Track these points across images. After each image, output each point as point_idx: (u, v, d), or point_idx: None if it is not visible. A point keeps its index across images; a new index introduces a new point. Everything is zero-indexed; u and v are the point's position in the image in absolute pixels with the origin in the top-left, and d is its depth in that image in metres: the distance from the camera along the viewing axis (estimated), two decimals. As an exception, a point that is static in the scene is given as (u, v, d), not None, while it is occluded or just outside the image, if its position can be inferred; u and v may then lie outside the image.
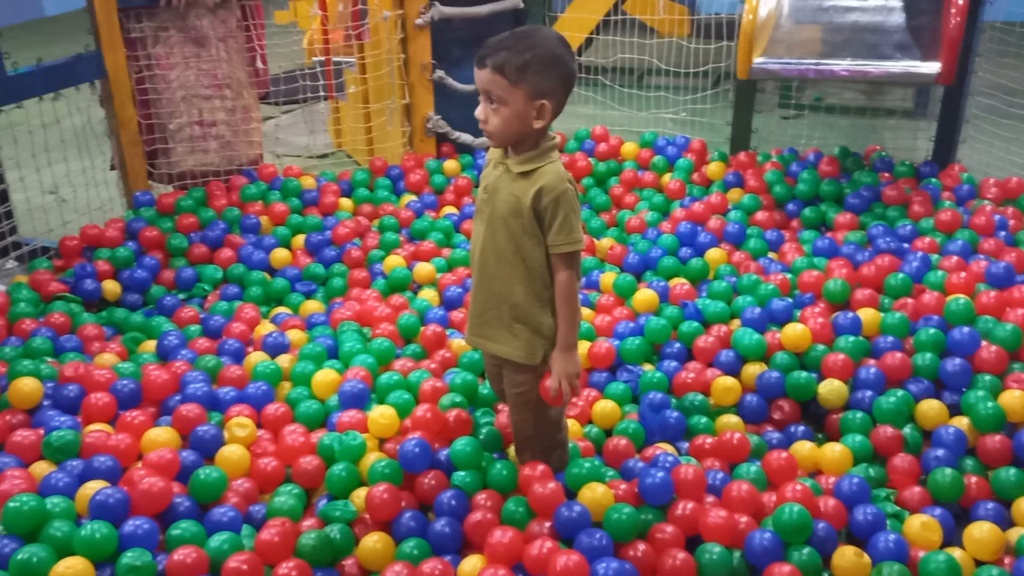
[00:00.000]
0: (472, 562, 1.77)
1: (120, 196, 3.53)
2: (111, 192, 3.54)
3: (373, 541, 1.82)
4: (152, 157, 3.48)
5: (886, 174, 3.42)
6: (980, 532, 1.82)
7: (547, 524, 1.83)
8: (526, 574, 1.75)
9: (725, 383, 2.33)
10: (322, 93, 4.46)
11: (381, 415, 2.13)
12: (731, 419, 2.26)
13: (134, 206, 3.38)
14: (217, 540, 1.76)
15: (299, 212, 3.44)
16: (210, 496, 1.91)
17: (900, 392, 2.21)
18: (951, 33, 2.95)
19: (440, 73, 3.75)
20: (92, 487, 1.85)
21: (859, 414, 2.20)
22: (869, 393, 2.23)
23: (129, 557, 1.67)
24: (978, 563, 1.80)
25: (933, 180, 3.35)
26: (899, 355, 2.29)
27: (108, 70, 3.27)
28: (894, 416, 2.16)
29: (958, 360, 2.24)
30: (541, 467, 1.93)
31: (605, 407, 2.27)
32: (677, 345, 2.53)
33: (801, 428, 2.26)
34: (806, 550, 1.77)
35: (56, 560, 1.66)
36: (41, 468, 1.97)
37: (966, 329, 2.29)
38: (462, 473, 1.98)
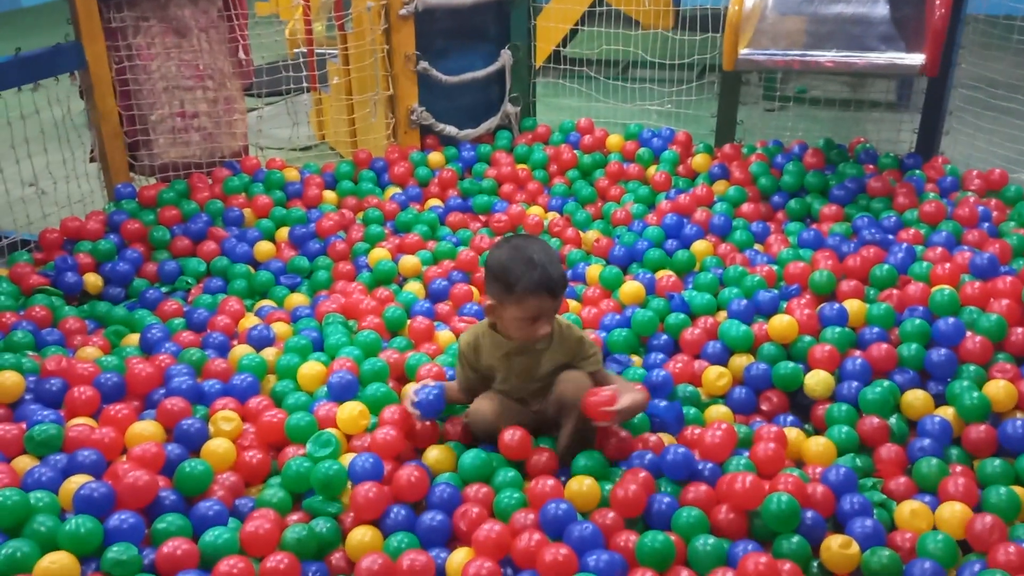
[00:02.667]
0: (460, 555, 1.77)
1: (101, 188, 3.49)
2: (92, 184, 3.49)
3: (361, 534, 1.82)
4: (133, 149, 3.44)
5: (870, 166, 3.44)
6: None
7: (532, 516, 1.82)
8: (515, 567, 1.75)
9: (717, 370, 2.33)
10: (305, 85, 4.43)
11: (351, 412, 2.11)
12: (720, 409, 2.26)
13: (115, 198, 3.35)
14: (211, 535, 1.74)
15: (283, 205, 3.41)
16: (196, 490, 1.90)
17: (886, 383, 2.22)
18: (936, 25, 2.96)
19: (424, 64, 3.73)
20: (76, 481, 1.83)
21: (844, 406, 2.21)
22: (855, 384, 2.24)
23: (115, 551, 1.65)
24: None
25: (917, 172, 3.36)
26: (884, 346, 2.30)
27: (88, 61, 3.23)
28: (880, 407, 2.17)
29: (943, 350, 2.25)
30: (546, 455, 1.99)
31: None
32: (664, 337, 2.53)
33: (790, 418, 2.26)
34: (795, 539, 1.78)
35: (41, 555, 1.64)
36: (24, 462, 1.94)
37: (951, 320, 2.30)
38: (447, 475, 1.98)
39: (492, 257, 2.00)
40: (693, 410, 2.25)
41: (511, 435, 2.01)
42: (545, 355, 2.05)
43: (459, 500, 1.91)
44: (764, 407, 2.32)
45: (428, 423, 2.12)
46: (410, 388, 2.16)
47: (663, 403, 2.20)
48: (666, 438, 2.12)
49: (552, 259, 1.96)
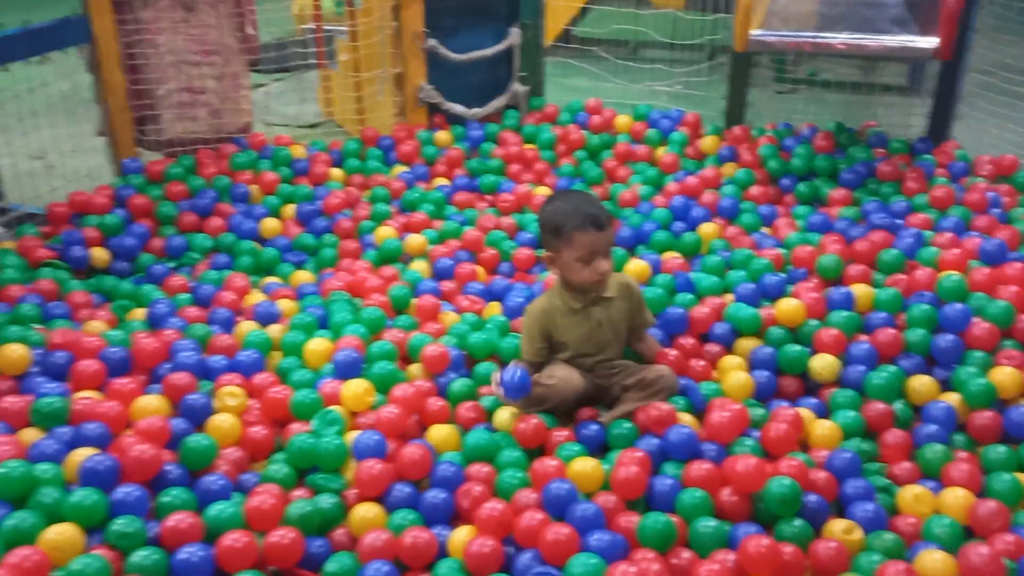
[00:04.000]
0: (463, 533, 1.77)
1: (108, 163, 3.49)
2: (99, 159, 3.49)
3: (364, 511, 1.83)
4: (140, 124, 3.43)
5: (881, 150, 3.41)
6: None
7: (534, 495, 1.83)
8: (517, 546, 1.75)
9: (733, 359, 2.33)
10: (312, 61, 4.41)
11: (356, 389, 2.12)
12: (740, 376, 2.24)
13: (123, 173, 3.34)
14: (215, 508, 1.75)
15: (289, 181, 3.41)
16: (200, 464, 1.91)
17: (892, 368, 2.21)
18: (950, 7, 2.93)
19: (433, 42, 3.71)
20: (81, 454, 1.84)
21: (850, 391, 2.20)
22: (861, 368, 2.24)
23: (119, 524, 1.66)
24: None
25: (927, 156, 3.34)
26: (891, 331, 2.29)
27: (96, 34, 3.22)
28: (885, 392, 2.16)
29: (950, 336, 2.24)
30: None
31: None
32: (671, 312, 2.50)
33: (813, 401, 2.24)
34: (798, 522, 1.78)
35: (46, 526, 1.65)
36: (30, 434, 1.95)
37: (958, 305, 2.28)
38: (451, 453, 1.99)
39: (542, 213, 2.20)
40: (715, 385, 2.25)
41: (525, 424, 2.03)
42: (614, 306, 2.20)
43: (462, 479, 1.91)
44: (784, 389, 2.31)
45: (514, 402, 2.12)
46: (494, 373, 2.17)
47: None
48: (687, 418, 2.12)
49: (592, 200, 2.20)
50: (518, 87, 3.98)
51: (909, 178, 3.16)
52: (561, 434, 2.06)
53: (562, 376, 2.13)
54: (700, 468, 1.88)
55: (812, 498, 1.83)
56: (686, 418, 2.09)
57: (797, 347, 2.32)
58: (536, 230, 2.22)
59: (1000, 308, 2.26)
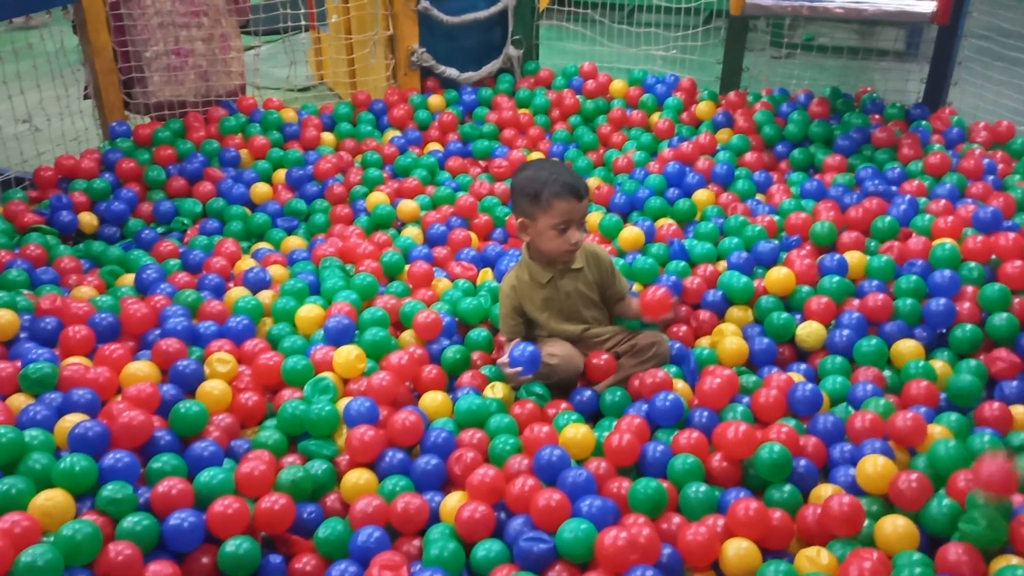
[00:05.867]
0: (454, 499, 1.78)
1: (96, 126, 3.44)
2: (86, 122, 3.44)
3: (356, 477, 1.83)
4: (128, 86, 3.38)
5: (876, 116, 3.38)
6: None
7: (526, 462, 1.83)
8: (508, 512, 1.76)
9: (727, 327, 2.33)
10: (303, 23, 4.33)
11: (347, 356, 2.11)
12: (735, 340, 2.25)
13: (110, 137, 3.30)
14: (206, 475, 1.75)
15: (280, 146, 3.37)
16: (191, 430, 1.90)
17: (876, 338, 2.21)
18: (948, -29, 2.89)
19: (425, 4, 3.65)
20: (71, 420, 1.83)
21: (839, 357, 2.21)
22: (846, 332, 2.24)
23: (110, 490, 1.66)
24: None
25: (923, 123, 3.31)
26: (881, 296, 2.29)
27: (81, -6, 3.15)
28: (874, 358, 2.16)
29: (942, 300, 2.23)
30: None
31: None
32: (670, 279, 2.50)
33: (803, 366, 2.26)
34: (787, 487, 1.79)
35: (36, 492, 1.64)
36: (19, 400, 1.94)
37: (947, 273, 2.28)
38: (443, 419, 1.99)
39: (517, 178, 2.18)
40: (708, 351, 2.26)
41: (522, 410, 2.04)
42: (582, 277, 2.20)
43: (454, 445, 1.91)
44: (780, 356, 2.32)
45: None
46: (502, 358, 2.15)
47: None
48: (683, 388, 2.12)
49: (569, 170, 2.20)
50: (512, 50, 3.92)
51: (904, 144, 3.14)
52: (557, 406, 2.07)
53: (563, 355, 2.14)
54: (690, 435, 1.89)
55: (802, 463, 1.83)
56: (678, 385, 2.09)
57: (785, 314, 2.32)
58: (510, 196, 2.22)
59: (995, 291, 2.23)
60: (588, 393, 2.12)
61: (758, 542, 1.64)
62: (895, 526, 1.63)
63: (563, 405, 2.07)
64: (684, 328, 2.36)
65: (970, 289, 2.28)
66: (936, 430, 1.86)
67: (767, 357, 2.28)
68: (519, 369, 2.07)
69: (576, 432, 1.89)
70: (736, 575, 1.62)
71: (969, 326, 2.19)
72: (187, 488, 1.71)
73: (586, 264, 2.20)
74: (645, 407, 2.02)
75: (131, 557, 1.57)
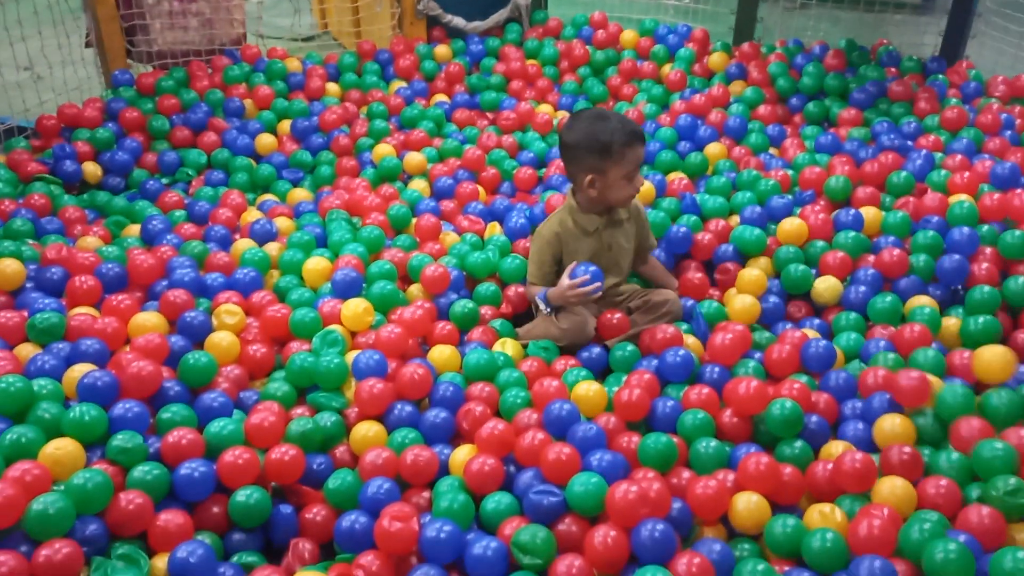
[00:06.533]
0: (464, 452, 1.77)
1: (98, 75, 3.38)
2: (88, 71, 3.38)
3: (365, 429, 1.82)
4: (130, 34, 3.32)
5: (892, 69, 3.32)
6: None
7: (536, 416, 1.83)
8: (517, 465, 1.76)
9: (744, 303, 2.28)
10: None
11: (355, 309, 2.10)
12: (747, 299, 2.22)
13: (113, 85, 3.25)
14: (216, 425, 1.74)
15: (284, 96, 3.32)
16: (200, 381, 1.90)
17: (894, 292, 2.19)
18: (972, -82, 2.80)
19: (433, -49, 3.57)
20: (79, 370, 1.82)
21: (853, 314, 2.19)
22: (863, 289, 2.22)
23: (120, 439, 1.66)
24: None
25: (940, 76, 3.25)
26: (896, 251, 2.26)
27: (80, -63, 3.08)
28: (889, 316, 2.14)
29: (956, 256, 2.21)
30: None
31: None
32: (680, 231, 2.47)
33: (817, 321, 2.24)
34: (798, 443, 1.78)
35: (45, 441, 1.64)
36: (26, 350, 1.93)
37: (965, 230, 2.25)
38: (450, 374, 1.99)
39: (573, 135, 2.10)
40: (716, 305, 2.25)
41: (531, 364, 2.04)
42: (624, 228, 2.21)
43: (462, 399, 1.91)
44: (793, 313, 2.31)
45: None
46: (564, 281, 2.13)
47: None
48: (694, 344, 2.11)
49: (620, 116, 2.13)
50: (520, -1, 3.84)
51: (921, 98, 3.09)
52: (565, 362, 2.06)
53: (574, 322, 2.13)
54: (700, 391, 1.88)
55: (813, 419, 1.83)
56: (688, 340, 2.08)
57: (802, 266, 2.29)
58: (560, 153, 2.18)
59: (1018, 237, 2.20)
60: (597, 350, 2.10)
61: (768, 497, 1.64)
62: (893, 487, 1.62)
63: (571, 362, 2.06)
64: (699, 275, 2.35)
65: (988, 250, 2.25)
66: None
67: (777, 315, 2.26)
68: (587, 279, 2.05)
69: (588, 389, 1.88)
70: (745, 528, 1.63)
71: (987, 288, 2.16)
72: (197, 438, 1.71)
73: (630, 215, 2.21)
74: (655, 362, 2.01)
75: (142, 506, 1.57)
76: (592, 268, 2.07)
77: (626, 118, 2.12)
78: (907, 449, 1.68)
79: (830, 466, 1.69)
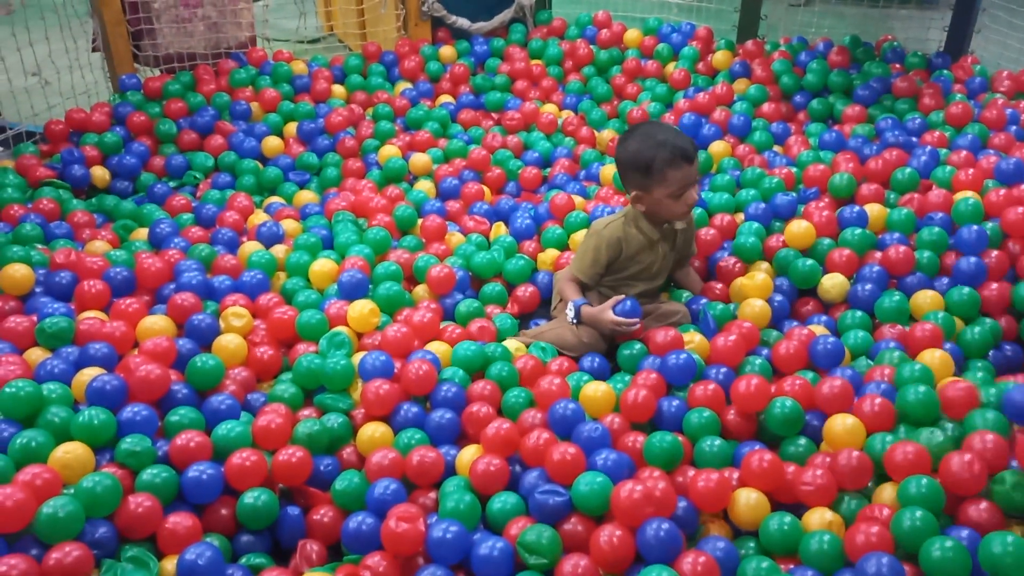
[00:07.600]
0: (469, 452, 1.78)
1: (105, 79, 3.41)
2: (96, 75, 3.40)
3: (372, 430, 1.84)
4: (137, 39, 3.34)
5: (897, 65, 3.31)
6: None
7: (540, 415, 1.84)
8: (523, 465, 1.76)
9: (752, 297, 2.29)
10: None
11: (361, 310, 2.11)
12: (757, 304, 2.23)
13: (120, 90, 3.27)
14: (224, 428, 1.76)
15: (290, 99, 3.33)
16: (208, 384, 1.91)
17: (899, 294, 2.19)
18: (976, -87, 2.79)
19: (436, -48, 3.57)
20: (88, 374, 1.84)
21: (859, 312, 2.19)
22: (869, 286, 2.22)
23: (129, 442, 1.68)
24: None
25: (945, 72, 3.24)
26: (903, 248, 2.26)
27: (86, -57, 3.10)
28: (897, 315, 2.14)
29: (973, 259, 2.19)
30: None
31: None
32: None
33: (824, 318, 2.25)
34: (802, 441, 1.78)
35: (55, 445, 1.66)
36: (36, 354, 1.95)
37: (975, 228, 2.24)
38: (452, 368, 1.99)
39: (622, 151, 2.13)
40: (722, 305, 2.26)
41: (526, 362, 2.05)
42: (680, 237, 2.23)
43: (464, 399, 1.92)
44: (800, 309, 2.32)
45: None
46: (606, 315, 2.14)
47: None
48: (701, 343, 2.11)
49: (676, 131, 2.12)
50: None
51: (925, 94, 3.08)
52: (561, 363, 2.07)
53: (594, 337, 2.14)
54: (706, 388, 1.88)
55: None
56: (696, 339, 2.08)
57: (810, 261, 2.30)
58: (615, 168, 2.21)
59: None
60: (599, 360, 2.12)
61: (771, 494, 1.64)
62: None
63: (565, 364, 2.07)
64: (719, 286, 2.36)
65: (995, 253, 2.24)
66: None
67: (783, 313, 2.27)
68: (635, 321, 2.08)
69: (596, 390, 1.88)
70: (745, 524, 1.63)
71: (995, 284, 2.16)
72: (205, 441, 1.72)
73: (687, 226, 2.23)
74: (657, 362, 2.01)
75: (151, 509, 1.59)
76: (630, 304, 2.10)
77: (679, 134, 2.09)
78: (910, 448, 1.67)
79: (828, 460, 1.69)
